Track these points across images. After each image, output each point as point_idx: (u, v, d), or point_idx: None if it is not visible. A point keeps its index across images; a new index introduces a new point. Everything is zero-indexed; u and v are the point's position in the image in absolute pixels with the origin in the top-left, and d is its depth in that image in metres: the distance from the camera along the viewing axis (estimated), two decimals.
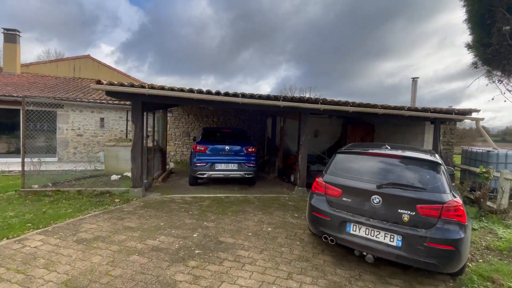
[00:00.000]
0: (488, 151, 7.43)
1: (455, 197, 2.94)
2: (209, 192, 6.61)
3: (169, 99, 5.67)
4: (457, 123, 8.41)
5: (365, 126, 10.33)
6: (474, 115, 7.68)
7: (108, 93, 5.50)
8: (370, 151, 3.70)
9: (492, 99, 7.03)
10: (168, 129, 11.90)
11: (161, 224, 4.38)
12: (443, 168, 3.30)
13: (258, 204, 5.81)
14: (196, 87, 5.68)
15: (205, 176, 6.73)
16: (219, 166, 6.77)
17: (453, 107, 7.69)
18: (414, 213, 2.98)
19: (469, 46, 5.07)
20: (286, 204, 5.90)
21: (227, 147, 6.84)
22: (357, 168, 3.63)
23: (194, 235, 3.97)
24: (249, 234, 4.14)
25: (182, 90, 5.54)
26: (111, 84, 5.20)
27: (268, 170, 10.18)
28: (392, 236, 2.97)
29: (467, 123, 18.08)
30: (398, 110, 6.82)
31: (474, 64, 5.10)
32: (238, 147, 6.99)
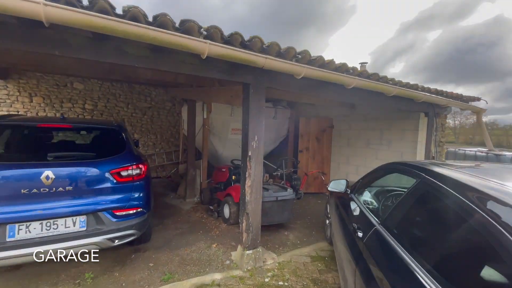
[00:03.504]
0: (497, 154, 5.42)
1: None
2: None
3: None
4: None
5: (321, 120, 7.41)
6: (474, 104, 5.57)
7: None
8: None
9: None
10: None
11: None
12: None
13: None
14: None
15: None
16: (24, 232, 2.33)
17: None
18: None
19: None
20: None
21: (49, 174, 2.44)
22: None
23: None
24: None
25: None
26: None
27: (184, 191, 6.07)
28: None
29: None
30: (416, 91, 3.87)
31: None
32: (88, 170, 2.68)
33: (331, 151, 7.44)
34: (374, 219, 1.96)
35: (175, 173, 7.83)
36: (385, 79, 3.48)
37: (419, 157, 5.40)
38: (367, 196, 2.97)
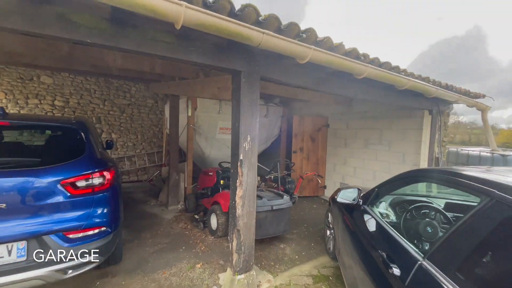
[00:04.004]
0: (503, 155, 5.10)
1: None
2: None
3: None
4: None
5: (316, 118, 6.95)
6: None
7: None
8: None
9: None
10: None
11: None
12: None
13: None
14: None
15: None
16: None
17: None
18: None
19: None
20: None
21: None
22: None
23: None
24: None
25: None
26: None
27: (166, 197, 5.43)
28: None
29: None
30: (429, 85, 3.43)
31: None
32: (30, 181, 2.05)
33: (326, 151, 7.00)
34: (412, 248, 1.45)
35: (158, 176, 7.17)
36: (397, 70, 3.01)
37: (423, 158, 5.01)
38: (382, 207, 2.49)
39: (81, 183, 2.26)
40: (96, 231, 2.32)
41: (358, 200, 2.46)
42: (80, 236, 2.21)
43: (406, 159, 5.28)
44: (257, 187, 4.91)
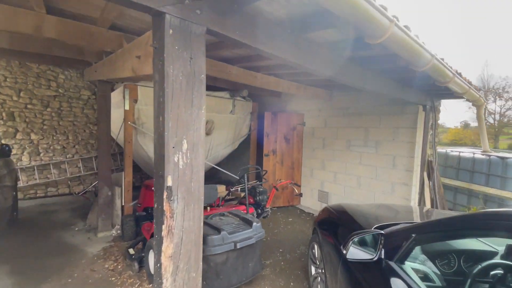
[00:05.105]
0: (501, 157, 4.50)
1: None
2: None
3: None
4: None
5: (290, 115, 5.97)
6: None
7: None
8: None
9: None
10: None
11: None
12: None
13: None
14: None
15: None
16: None
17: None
18: None
19: None
20: None
21: None
22: None
23: None
24: None
25: None
26: None
27: (96, 218, 3.99)
28: None
29: None
30: (447, 69, 2.54)
31: None
32: None
33: (302, 154, 6.05)
34: None
35: (95, 187, 5.65)
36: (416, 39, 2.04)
37: (417, 163, 4.25)
38: (418, 261, 1.48)
39: None
40: None
41: (379, 252, 1.42)
42: None
43: (397, 163, 4.48)
44: (217, 205, 3.74)
